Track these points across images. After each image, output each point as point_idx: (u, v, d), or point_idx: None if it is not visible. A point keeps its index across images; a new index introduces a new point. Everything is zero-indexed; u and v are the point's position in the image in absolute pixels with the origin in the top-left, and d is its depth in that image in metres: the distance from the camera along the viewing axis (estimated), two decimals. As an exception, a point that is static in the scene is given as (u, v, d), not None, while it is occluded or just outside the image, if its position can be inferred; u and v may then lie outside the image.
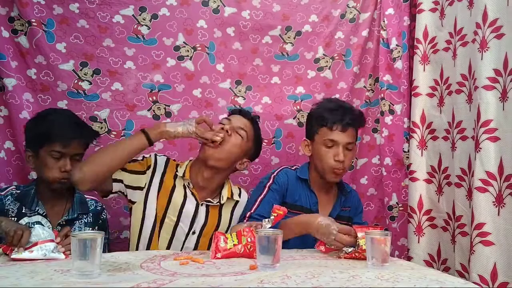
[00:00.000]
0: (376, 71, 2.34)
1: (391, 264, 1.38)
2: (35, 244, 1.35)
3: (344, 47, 2.32)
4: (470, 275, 1.73)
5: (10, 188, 1.70)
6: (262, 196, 1.75)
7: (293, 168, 1.89)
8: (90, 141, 1.74)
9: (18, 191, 1.68)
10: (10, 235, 1.35)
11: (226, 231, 1.75)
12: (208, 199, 1.74)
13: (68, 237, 1.40)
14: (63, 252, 1.38)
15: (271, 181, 1.79)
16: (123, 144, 1.67)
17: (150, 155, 1.76)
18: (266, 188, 1.77)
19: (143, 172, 1.70)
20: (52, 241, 1.38)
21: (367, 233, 1.39)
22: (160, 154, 1.79)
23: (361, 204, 1.98)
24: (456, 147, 1.95)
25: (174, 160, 1.81)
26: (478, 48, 1.77)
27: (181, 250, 1.69)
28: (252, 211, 1.72)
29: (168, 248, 1.70)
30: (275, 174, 1.82)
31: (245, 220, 1.69)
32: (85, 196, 1.79)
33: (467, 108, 1.88)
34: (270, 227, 1.43)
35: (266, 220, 1.46)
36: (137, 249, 1.70)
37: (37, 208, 1.66)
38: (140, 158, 1.73)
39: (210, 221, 1.75)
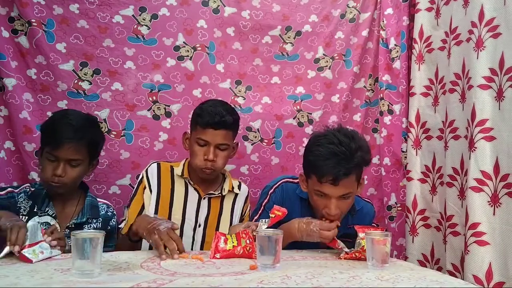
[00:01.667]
0: (376, 71, 2.34)
1: (391, 264, 1.38)
2: (35, 243, 1.34)
3: (344, 47, 2.32)
4: (464, 275, 1.73)
5: (24, 186, 1.68)
6: (257, 216, 1.74)
7: (295, 181, 1.76)
8: (89, 149, 1.65)
9: (33, 189, 1.66)
10: (6, 231, 1.33)
11: (230, 223, 1.82)
12: (211, 191, 1.80)
13: (54, 233, 1.40)
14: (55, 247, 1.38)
15: (267, 199, 1.76)
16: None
17: (142, 175, 1.79)
18: (262, 207, 1.75)
19: (142, 208, 1.75)
20: (43, 241, 1.37)
21: (367, 233, 1.40)
22: (150, 164, 1.82)
23: (372, 222, 1.82)
24: (448, 146, 1.95)
25: (166, 161, 1.88)
26: (473, 47, 1.77)
27: (191, 245, 1.77)
28: None
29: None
30: (271, 191, 1.76)
31: None
32: (98, 199, 1.78)
33: (460, 107, 1.88)
34: (266, 228, 1.43)
35: (263, 220, 1.47)
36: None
37: (47, 209, 1.63)
38: (137, 184, 1.80)
39: (213, 211, 1.81)
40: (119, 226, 1.74)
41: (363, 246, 1.44)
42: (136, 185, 1.80)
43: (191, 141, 1.77)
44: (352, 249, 1.49)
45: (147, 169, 1.80)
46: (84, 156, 1.64)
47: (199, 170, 1.73)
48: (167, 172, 1.80)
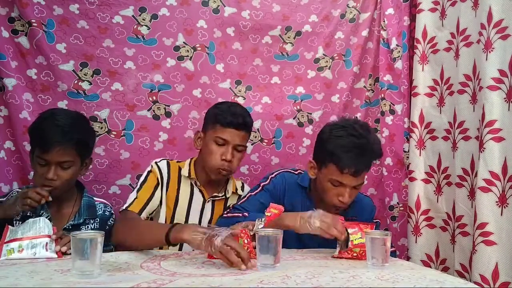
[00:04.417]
0: (376, 71, 2.34)
1: (391, 264, 1.38)
2: (31, 238, 1.35)
3: (344, 47, 2.32)
4: (472, 275, 1.73)
5: (11, 192, 1.67)
6: (253, 193, 1.74)
7: (296, 172, 1.81)
8: (79, 149, 1.59)
9: None
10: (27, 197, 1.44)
11: None
12: (215, 194, 1.79)
13: (64, 238, 1.40)
14: (57, 252, 1.37)
15: (267, 181, 1.77)
16: (149, 236, 1.50)
17: (152, 168, 1.74)
18: (260, 187, 1.76)
19: (153, 193, 1.71)
20: (48, 236, 1.38)
21: (367, 233, 1.40)
22: (159, 160, 1.78)
23: (374, 211, 1.85)
24: (457, 147, 1.95)
25: (172, 160, 1.83)
26: (482, 49, 1.77)
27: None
28: (237, 203, 1.72)
29: (180, 247, 1.73)
30: (273, 176, 1.79)
31: (227, 211, 1.71)
32: (94, 199, 1.75)
33: (471, 108, 1.88)
34: (263, 227, 1.43)
35: (259, 220, 1.46)
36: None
37: (42, 212, 1.61)
38: (145, 174, 1.74)
39: (216, 215, 1.79)
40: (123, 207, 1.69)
41: (352, 241, 1.44)
42: (145, 174, 1.73)
43: (206, 141, 1.74)
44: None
45: (157, 163, 1.75)
46: (74, 157, 1.59)
47: (215, 170, 1.70)
48: (176, 172, 1.76)
